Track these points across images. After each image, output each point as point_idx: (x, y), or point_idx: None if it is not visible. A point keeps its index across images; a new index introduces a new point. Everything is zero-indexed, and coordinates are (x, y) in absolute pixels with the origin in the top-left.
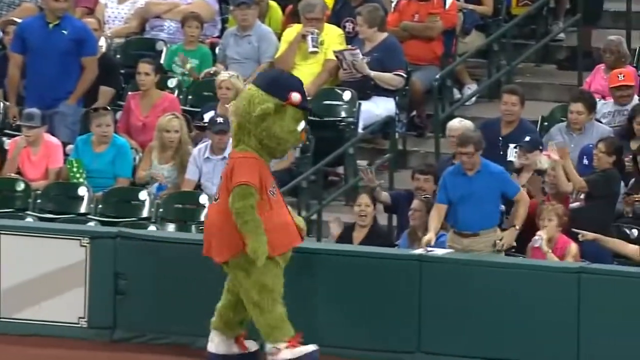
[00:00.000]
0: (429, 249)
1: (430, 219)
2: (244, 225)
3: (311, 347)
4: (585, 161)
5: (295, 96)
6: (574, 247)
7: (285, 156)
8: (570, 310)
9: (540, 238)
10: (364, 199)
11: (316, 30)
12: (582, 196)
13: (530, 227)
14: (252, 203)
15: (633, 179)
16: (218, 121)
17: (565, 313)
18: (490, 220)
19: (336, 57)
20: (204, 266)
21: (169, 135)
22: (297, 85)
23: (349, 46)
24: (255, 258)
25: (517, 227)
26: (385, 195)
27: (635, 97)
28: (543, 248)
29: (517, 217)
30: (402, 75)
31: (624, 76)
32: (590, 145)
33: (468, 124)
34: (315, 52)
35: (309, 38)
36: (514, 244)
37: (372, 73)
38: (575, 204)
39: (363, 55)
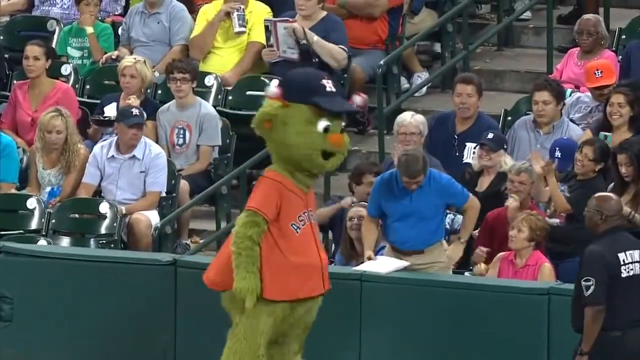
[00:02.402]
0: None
1: (363, 235)
2: (237, 257)
3: None
4: (558, 154)
5: (271, 92)
6: (547, 266)
7: (322, 171)
8: (539, 335)
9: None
10: None
11: (242, 6)
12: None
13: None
14: (252, 234)
15: (612, 183)
16: (133, 112)
17: (533, 338)
18: (435, 236)
19: (266, 27)
20: (103, 287)
21: (50, 137)
22: (298, 78)
23: (288, 19)
24: (242, 298)
25: (463, 240)
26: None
27: None
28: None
29: (465, 228)
30: (346, 52)
31: (602, 73)
32: (565, 138)
33: (420, 119)
34: (242, 33)
35: (235, 16)
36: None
37: (315, 37)
38: (554, 221)
39: None
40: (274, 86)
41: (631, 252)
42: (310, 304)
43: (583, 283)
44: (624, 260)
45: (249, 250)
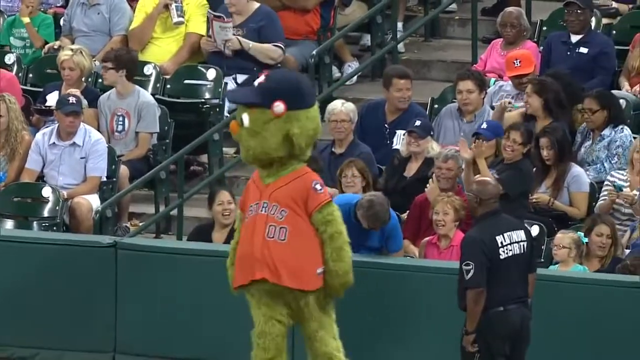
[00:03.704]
0: None
1: None
2: None
3: None
4: (485, 125)
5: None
6: None
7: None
8: None
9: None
10: (225, 195)
11: None
12: None
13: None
14: (237, 224)
15: (534, 168)
16: (70, 101)
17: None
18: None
19: (207, 17)
20: (46, 269)
21: None
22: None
23: (223, 17)
24: None
25: None
26: None
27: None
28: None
29: None
30: (282, 48)
31: (520, 62)
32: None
33: (351, 106)
34: (180, 23)
35: (173, 7)
36: None
37: (251, 44)
38: None
39: (235, 27)
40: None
41: (509, 233)
42: (259, 288)
43: (463, 267)
44: (502, 243)
45: (232, 242)
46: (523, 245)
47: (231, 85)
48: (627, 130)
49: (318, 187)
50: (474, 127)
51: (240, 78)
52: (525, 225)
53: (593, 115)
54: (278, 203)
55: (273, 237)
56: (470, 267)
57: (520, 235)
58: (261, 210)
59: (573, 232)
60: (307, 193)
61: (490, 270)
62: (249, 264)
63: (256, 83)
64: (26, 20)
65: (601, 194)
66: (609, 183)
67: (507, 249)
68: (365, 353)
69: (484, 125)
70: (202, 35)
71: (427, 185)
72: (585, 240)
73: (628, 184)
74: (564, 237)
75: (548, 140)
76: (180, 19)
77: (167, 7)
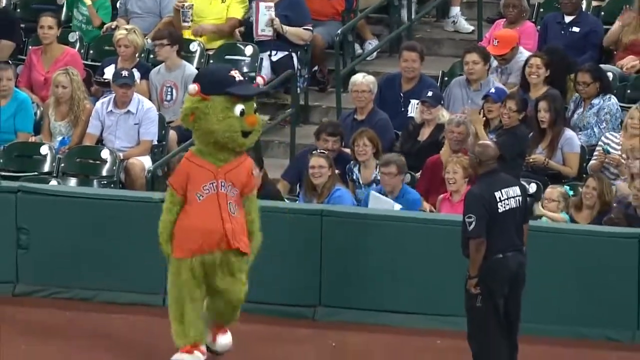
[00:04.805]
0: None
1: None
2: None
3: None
4: (493, 90)
5: (191, 88)
6: None
7: (243, 148)
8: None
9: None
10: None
11: (187, 3)
12: None
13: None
14: (167, 204)
15: (531, 133)
16: (123, 74)
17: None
18: None
19: (248, 18)
20: (104, 221)
21: (57, 91)
22: (211, 74)
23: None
24: None
25: None
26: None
27: (525, 52)
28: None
29: None
30: (311, 30)
31: (498, 42)
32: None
33: (370, 79)
34: (185, 28)
35: (181, 12)
36: None
37: (287, 28)
38: None
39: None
40: (192, 85)
41: (506, 189)
42: (212, 258)
43: (466, 219)
44: (499, 198)
45: (162, 217)
46: (518, 199)
47: (266, 62)
48: (614, 99)
49: (255, 172)
50: (479, 95)
51: (276, 55)
52: (521, 182)
53: (588, 88)
54: (232, 183)
55: (234, 213)
56: (472, 219)
57: (516, 190)
58: (221, 189)
59: (560, 186)
60: (249, 176)
61: (489, 222)
62: (215, 237)
63: (240, 78)
64: (88, 2)
65: (593, 155)
66: (602, 144)
67: (504, 203)
68: (385, 287)
69: (493, 90)
70: (240, 20)
71: (442, 149)
72: (571, 193)
73: (620, 146)
74: (553, 192)
75: (547, 104)
76: (185, 24)
77: (178, 11)
